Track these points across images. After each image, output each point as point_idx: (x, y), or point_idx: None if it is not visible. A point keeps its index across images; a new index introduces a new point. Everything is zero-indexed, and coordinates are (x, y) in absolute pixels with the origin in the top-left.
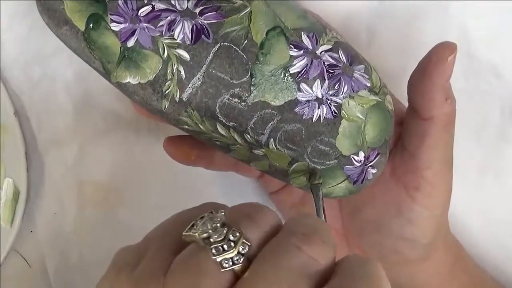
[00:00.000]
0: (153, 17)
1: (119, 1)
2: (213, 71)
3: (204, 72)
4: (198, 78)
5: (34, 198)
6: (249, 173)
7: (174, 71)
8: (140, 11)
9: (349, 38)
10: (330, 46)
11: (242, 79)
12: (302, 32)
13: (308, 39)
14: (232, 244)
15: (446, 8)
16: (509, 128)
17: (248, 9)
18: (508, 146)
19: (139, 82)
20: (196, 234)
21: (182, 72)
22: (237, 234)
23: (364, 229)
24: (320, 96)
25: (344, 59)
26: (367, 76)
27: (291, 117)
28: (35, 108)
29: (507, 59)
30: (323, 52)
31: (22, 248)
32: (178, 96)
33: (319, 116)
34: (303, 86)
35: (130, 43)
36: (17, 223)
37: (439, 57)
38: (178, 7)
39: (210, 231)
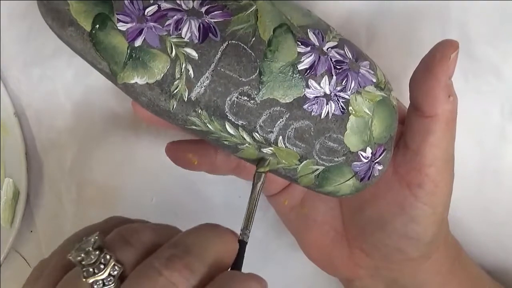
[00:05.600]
0: (160, 17)
1: (125, 1)
2: (222, 69)
3: (212, 71)
4: (207, 77)
5: (34, 198)
6: (250, 177)
7: (182, 70)
8: (147, 10)
9: (349, 37)
10: (336, 43)
11: (251, 77)
12: (308, 29)
13: (314, 36)
14: (102, 266)
15: (446, 8)
16: (509, 128)
17: (254, 7)
18: (508, 146)
19: (147, 82)
20: (71, 257)
21: (191, 71)
22: (108, 256)
23: (366, 229)
24: (328, 92)
25: (350, 55)
26: (372, 72)
27: (300, 114)
28: (35, 108)
29: (507, 59)
30: (329, 49)
31: (22, 248)
32: (186, 96)
33: (328, 112)
34: (311, 82)
35: (138, 42)
36: (17, 223)
37: (442, 54)
38: (184, 6)
39: (82, 254)
